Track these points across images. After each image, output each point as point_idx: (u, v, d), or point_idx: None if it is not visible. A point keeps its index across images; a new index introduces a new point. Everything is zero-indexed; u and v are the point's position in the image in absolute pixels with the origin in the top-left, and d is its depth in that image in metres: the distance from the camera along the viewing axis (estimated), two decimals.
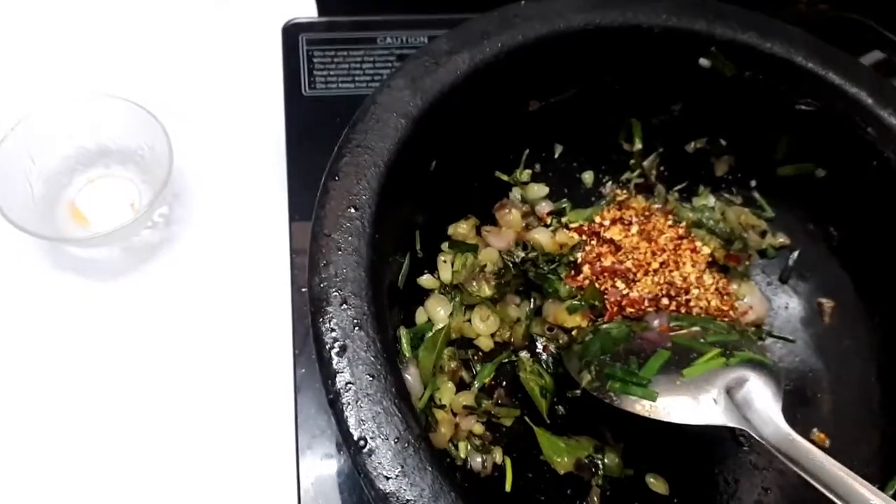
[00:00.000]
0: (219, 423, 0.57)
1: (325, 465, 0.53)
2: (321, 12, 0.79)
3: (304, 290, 0.59)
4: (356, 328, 0.39)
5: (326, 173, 0.44)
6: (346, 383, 0.38)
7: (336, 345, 0.39)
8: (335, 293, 0.40)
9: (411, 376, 0.48)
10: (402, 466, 0.36)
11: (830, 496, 0.38)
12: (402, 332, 0.50)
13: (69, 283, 0.63)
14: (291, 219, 0.63)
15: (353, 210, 0.42)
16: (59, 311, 0.61)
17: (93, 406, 0.57)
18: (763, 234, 0.60)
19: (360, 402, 0.37)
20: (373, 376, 0.38)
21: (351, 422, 0.37)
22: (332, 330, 0.39)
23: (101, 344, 0.60)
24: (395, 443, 0.36)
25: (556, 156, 0.62)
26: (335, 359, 0.38)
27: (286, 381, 0.57)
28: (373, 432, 0.37)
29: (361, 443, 0.36)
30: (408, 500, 0.35)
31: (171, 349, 0.60)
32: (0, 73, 0.74)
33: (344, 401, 0.37)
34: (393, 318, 0.49)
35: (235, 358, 0.60)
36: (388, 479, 0.36)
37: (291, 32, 0.77)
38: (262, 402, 0.58)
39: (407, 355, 0.49)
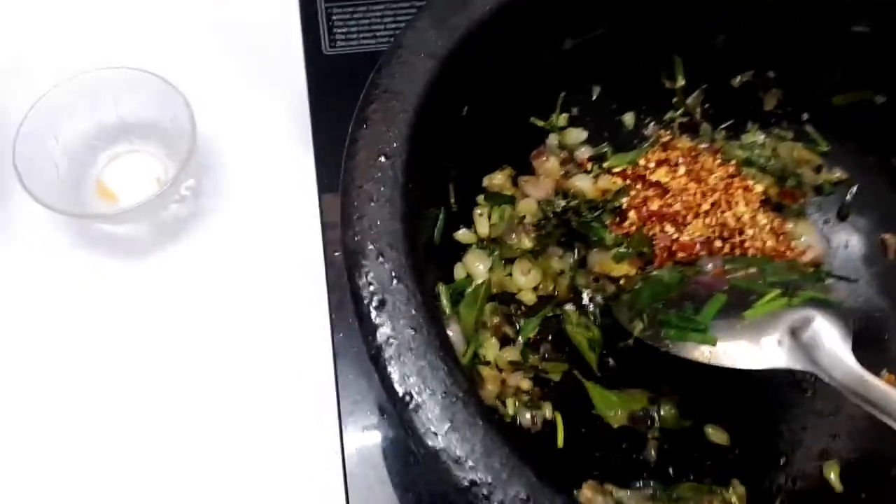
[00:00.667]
0: (259, 394, 0.56)
1: (368, 431, 0.52)
2: None
3: (336, 253, 0.57)
4: (395, 280, 0.37)
5: (354, 121, 0.42)
6: (388, 338, 0.36)
7: (375, 299, 0.37)
8: (371, 246, 0.38)
9: (453, 333, 0.46)
10: (451, 421, 0.34)
11: None
12: (442, 288, 0.48)
13: (99, 261, 0.62)
14: (320, 189, 0.62)
15: (384, 159, 0.40)
16: (89, 289, 0.60)
17: (130, 385, 0.56)
18: (818, 170, 0.56)
19: (402, 356, 0.35)
20: (415, 329, 0.36)
21: (395, 377, 0.35)
22: (370, 284, 0.37)
23: (134, 321, 0.59)
24: (443, 397, 0.34)
25: (594, 98, 0.59)
26: (374, 313, 0.36)
27: (325, 347, 0.56)
28: (418, 387, 0.35)
29: (407, 398, 0.34)
30: (459, 457, 0.33)
31: (206, 323, 0.59)
32: (12, 52, 0.72)
33: (386, 356, 0.35)
34: (431, 275, 0.47)
35: (272, 329, 0.58)
36: (436, 435, 0.34)
37: None
38: (302, 371, 0.56)
39: (447, 312, 0.47)
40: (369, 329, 0.36)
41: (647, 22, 0.54)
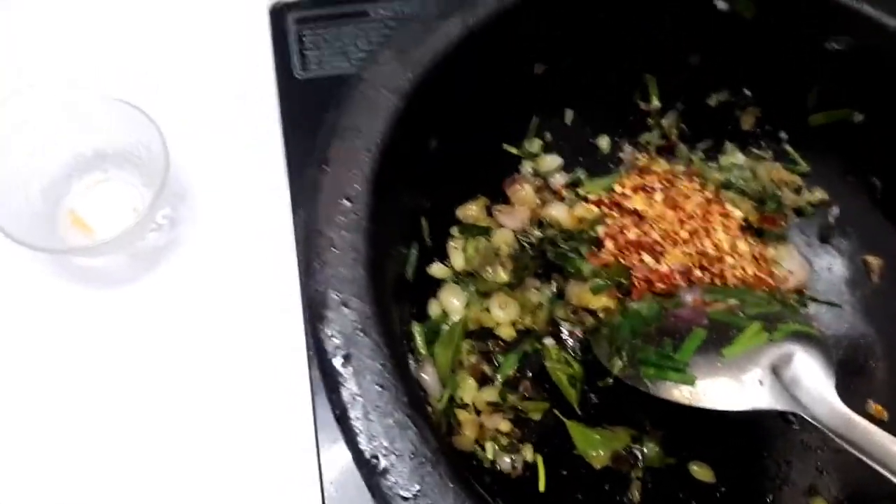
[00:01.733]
0: (235, 427, 0.55)
1: (347, 469, 0.50)
2: None
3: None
4: (360, 333, 0.36)
5: (314, 163, 0.40)
6: (354, 396, 0.34)
7: (339, 353, 0.35)
8: (334, 296, 0.36)
9: (428, 376, 0.45)
10: (420, 485, 0.32)
11: None
12: (416, 327, 0.47)
13: (76, 293, 0.60)
14: (294, 212, 0.60)
15: (346, 202, 0.39)
16: (67, 322, 0.59)
17: (109, 417, 0.55)
18: (798, 191, 0.55)
19: (369, 415, 0.34)
20: (382, 386, 0.34)
21: (361, 438, 0.33)
22: (334, 337, 0.35)
23: (112, 353, 0.57)
24: (411, 458, 0.33)
25: (568, 122, 0.57)
26: (339, 369, 0.35)
27: (302, 380, 0.55)
28: (386, 449, 0.33)
29: (374, 461, 0.33)
30: None
31: (184, 353, 0.57)
32: None
33: (352, 416, 0.34)
34: (403, 315, 0.45)
35: (249, 355, 0.57)
36: (405, 499, 0.32)
37: (279, 13, 0.73)
38: (279, 394, 0.55)
39: (422, 353, 0.46)
40: (334, 386, 0.35)
41: (620, 44, 0.53)
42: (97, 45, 0.72)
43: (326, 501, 0.50)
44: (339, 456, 0.51)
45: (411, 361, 0.44)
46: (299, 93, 0.69)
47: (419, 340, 0.46)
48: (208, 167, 0.66)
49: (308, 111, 0.67)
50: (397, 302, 0.45)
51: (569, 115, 0.57)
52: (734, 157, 0.56)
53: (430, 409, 0.44)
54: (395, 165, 0.42)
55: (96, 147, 0.63)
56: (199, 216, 0.64)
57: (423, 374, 0.45)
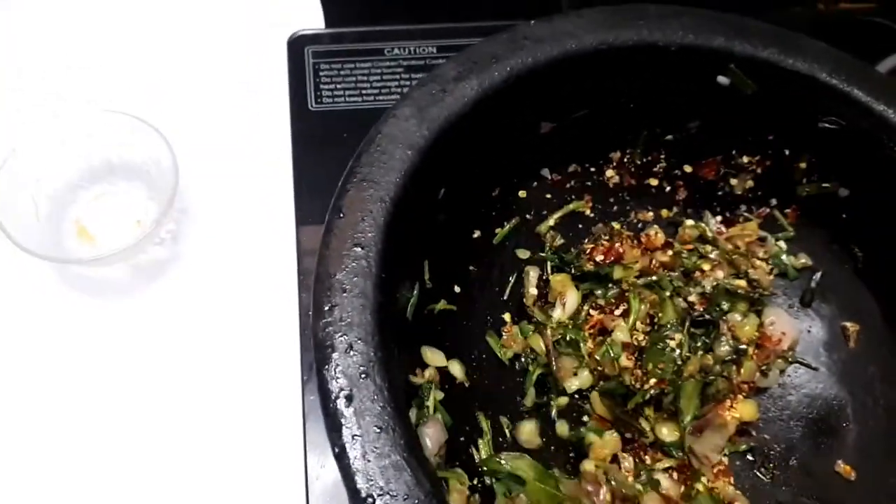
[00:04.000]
0: (227, 441, 0.57)
1: (335, 495, 0.52)
2: (328, 24, 0.77)
3: (307, 332, 0.58)
4: (363, 376, 0.38)
5: (330, 210, 0.42)
6: (353, 436, 0.36)
7: (342, 394, 0.37)
8: (341, 338, 0.39)
9: (430, 433, 0.46)
10: None
11: None
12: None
13: (77, 302, 0.62)
14: (299, 244, 0.62)
15: (358, 249, 0.41)
16: (67, 331, 0.61)
17: (104, 427, 0.57)
18: (770, 272, 0.58)
19: (367, 455, 0.36)
20: (381, 428, 0.37)
21: (358, 478, 0.35)
22: (338, 378, 0.38)
23: (110, 364, 0.59)
24: (405, 500, 0.35)
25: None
26: (341, 410, 0.37)
27: (295, 401, 0.57)
28: (380, 489, 0.35)
29: (370, 500, 0.35)
30: None
31: (181, 368, 0.59)
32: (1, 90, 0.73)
33: (350, 455, 0.36)
34: (402, 363, 0.47)
35: (245, 371, 0.59)
36: None
37: (297, 45, 0.75)
38: (271, 423, 0.57)
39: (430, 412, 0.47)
40: (335, 425, 0.37)
41: (624, 108, 0.56)
42: (120, 62, 0.75)
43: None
44: (326, 477, 0.52)
45: (413, 413, 0.46)
46: (311, 124, 0.71)
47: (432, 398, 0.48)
48: (215, 187, 0.68)
49: (319, 142, 0.69)
50: (399, 348, 0.47)
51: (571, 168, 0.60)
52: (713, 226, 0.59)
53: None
54: (406, 215, 0.44)
55: (106, 159, 0.66)
56: (202, 233, 0.66)
57: (425, 430, 0.46)
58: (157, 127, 0.62)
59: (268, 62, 0.75)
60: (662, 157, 0.60)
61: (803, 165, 0.56)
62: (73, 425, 0.57)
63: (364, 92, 0.74)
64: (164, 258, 0.65)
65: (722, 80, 0.53)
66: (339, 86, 0.74)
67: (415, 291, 0.51)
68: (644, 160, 0.60)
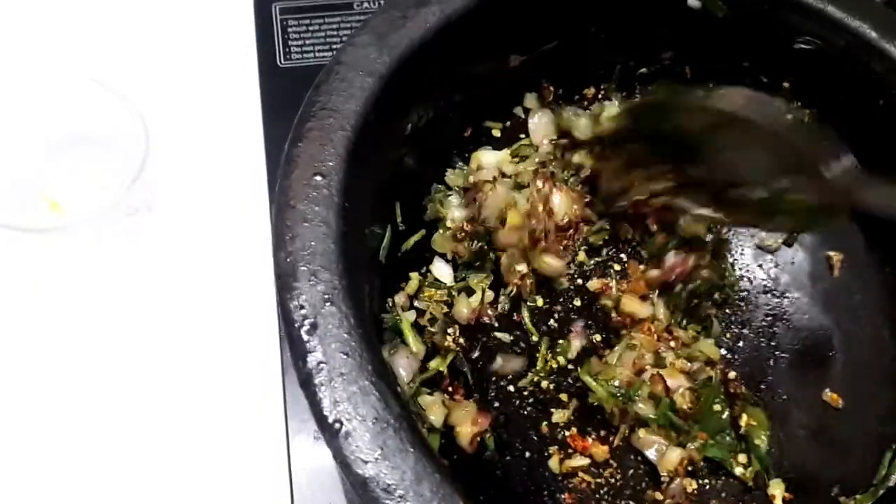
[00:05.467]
0: (208, 409, 0.55)
1: (315, 450, 0.52)
2: None
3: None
4: (327, 303, 0.36)
5: (289, 140, 0.41)
6: (318, 363, 0.35)
7: (306, 322, 0.36)
8: (303, 268, 0.37)
9: (401, 363, 0.45)
10: (382, 448, 0.33)
11: None
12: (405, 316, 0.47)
13: (45, 274, 0.60)
14: (272, 202, 0.61)
15: (319, 178, 0.39)
16: (34, 303, 0.59)
17: (76, 406, 0.55)
18: None
19: (333, 382, 0.34)
20: (347, 354, 0.35)
21: (325, 404, 0.34)
22: (301, 307, 0.36)
23: (81, 336, 0.58)
24: (374, 424, 0.34)
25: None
26: (305, 337, 0.35)
27: (274, 364, 0.56)
28: (348, 414, 0.34)
29: (336, 426, 0.34)
30: (388, 486, 0.32)
31: (155, 337, 0.58)
32: None
33: (317, 382, 0.34)
34: (373, 293, 0.46)
35: (222, 344, 0.58)
36: (366, 462, 0.33)
37: (264, 2, 0.74)
38: (251, 387, 0.56)
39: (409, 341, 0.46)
40: (300, 353, 0.35)
41: (594, 38, 0.54)
42: (81, 28, 0.73)
43: (295, 489, 0.51)
44: (307, 441, 0.52)
45: (386, 350, 0.45)
46: (281, 81, 0.70)
47: (406, 326, 0.47)
48: (185, 153, 0.66)
49: (289, 100, 0.67)
50: (369, 280, 0.45)
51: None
52: None
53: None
54: (370, 146, 0.43)
55: (74, 128, 0.63)
56: (172, 201, 0.64)
57: (397, 360, 0.45)
58: (124, 91, 0.60)
59: (235, 20, 0.73)
60: (637, 92, 0.58)
61: (782, 91, 0.55)
62: (41, 404, 0.55)
63: (334, 47, 0.72)
64: (135, 227, 0.63)
65: (693, 3, 0.51)
66: (307, 41, 0.72)
67: (387, 233, 0.49)
68: (619, 96, 0.58)
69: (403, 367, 0.43)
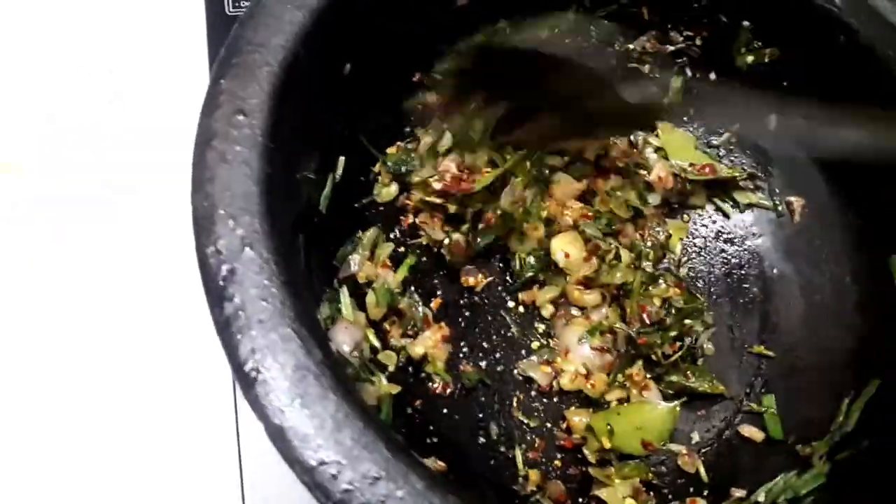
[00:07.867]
0: (154, 401, 0.53)
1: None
2: None
3: None
4: (247, 248, 0.34)
5: (212, 77, 0.38)
6: (236, 310, 0.33)
7: (223, 268, 0.34)
8: (221, 211, 0.35)
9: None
10: (301, 397, 0.32)
11: None
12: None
13: None
14: None
15: (241, 116, 0.37)
16: None
17: (28, 393, 0.53)
18: None
19: (252, 329, 0.33)
20: (266, 300, 0.33)
21: (241, 352, 0.32)
22: (220, 252, 0.34)
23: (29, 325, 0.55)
24: (293, 372, 0.32)
25: None
26: (222, 284, 0.33)
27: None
28: (267, 362, 0.32)
29: (253, 374, 0.32)
30: (306, 434, 0.31)
31: (98, 327, 0.55)
32: None
33: (233, 329, 0.33)
34: (310, 246, 0.44)
35: (169, 338, 0.55)
36: (283, 412, 0.31)
37: None
38: (201, 371, 0.54)
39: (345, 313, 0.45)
40: (216, 300, 0.33)
41: None
42: None
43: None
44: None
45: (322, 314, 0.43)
46: (229, 30, 0.66)
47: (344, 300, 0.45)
48: (133, 104, 0.63)
49: None
50: (304, 230, 0.43)
51: None
52: None
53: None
54: (301, 85, 0.40)
55: None
56: (121, 150, 0.61)
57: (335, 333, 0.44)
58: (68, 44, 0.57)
59: None
60: (594, 37, 0.56)
61: (742, 34, 0.53)
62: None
63: None
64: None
65: None
66: None
67: (328, 183, 0.47)
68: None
69: (344, 340, 0.42)
